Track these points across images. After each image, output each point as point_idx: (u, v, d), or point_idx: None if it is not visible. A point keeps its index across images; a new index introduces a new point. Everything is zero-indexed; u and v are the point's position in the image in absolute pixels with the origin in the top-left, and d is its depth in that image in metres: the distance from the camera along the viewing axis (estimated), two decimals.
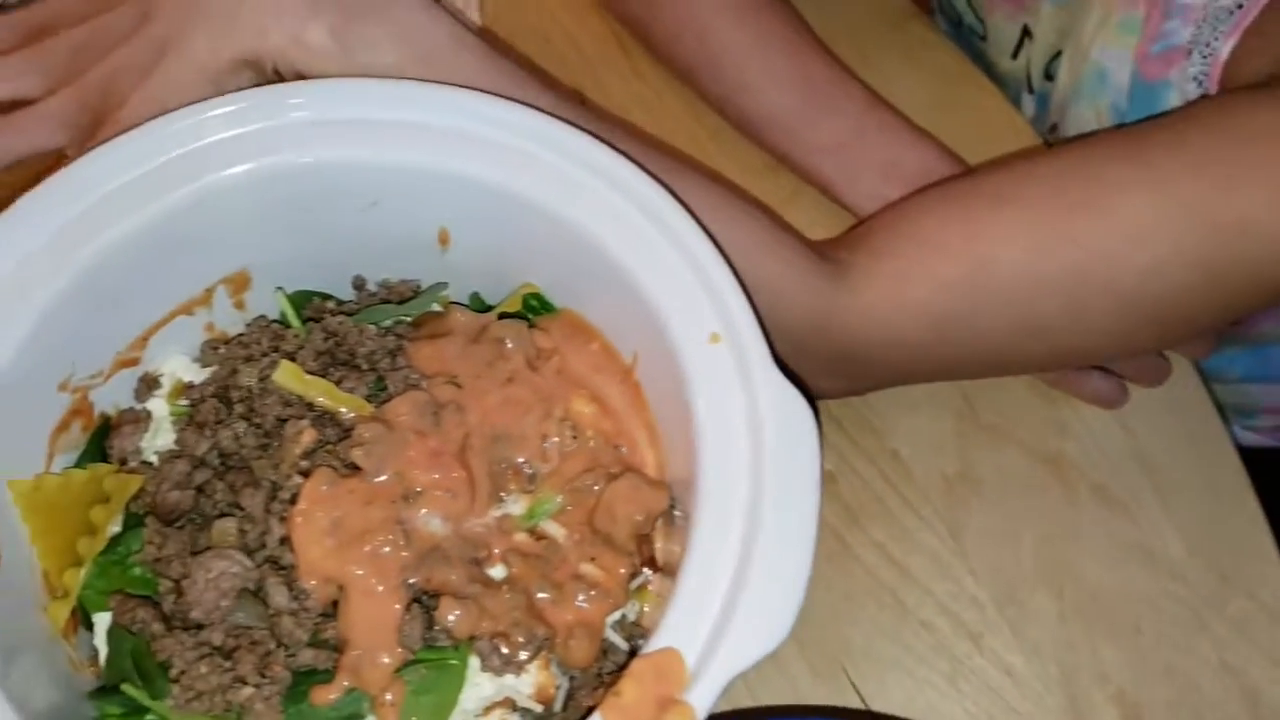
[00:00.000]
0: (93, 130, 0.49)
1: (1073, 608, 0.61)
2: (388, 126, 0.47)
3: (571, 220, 0.47)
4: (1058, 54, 0.73)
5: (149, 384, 0.50)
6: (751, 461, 0.42)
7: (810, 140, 0.68)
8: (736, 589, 0.40)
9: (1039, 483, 0.64)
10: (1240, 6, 0.60)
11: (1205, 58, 0.61)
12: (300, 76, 0.49)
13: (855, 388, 0.61)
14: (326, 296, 0.53)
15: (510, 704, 0.45)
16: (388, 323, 0.51)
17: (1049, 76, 0.74)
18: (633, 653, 0.47)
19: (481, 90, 0.48)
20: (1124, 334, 0.56)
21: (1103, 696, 0.59)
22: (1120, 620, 0.60)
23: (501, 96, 0.48)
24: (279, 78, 0.50)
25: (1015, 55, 0.77)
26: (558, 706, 0.46)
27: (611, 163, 0.47)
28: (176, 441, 0.48)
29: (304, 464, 0.46)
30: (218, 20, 0.48)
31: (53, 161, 0.47)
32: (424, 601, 0.44)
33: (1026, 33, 0.76)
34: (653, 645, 0.40)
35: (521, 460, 0.48)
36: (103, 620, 0.46)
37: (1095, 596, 0.61)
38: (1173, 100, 0.64)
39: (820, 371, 0.55)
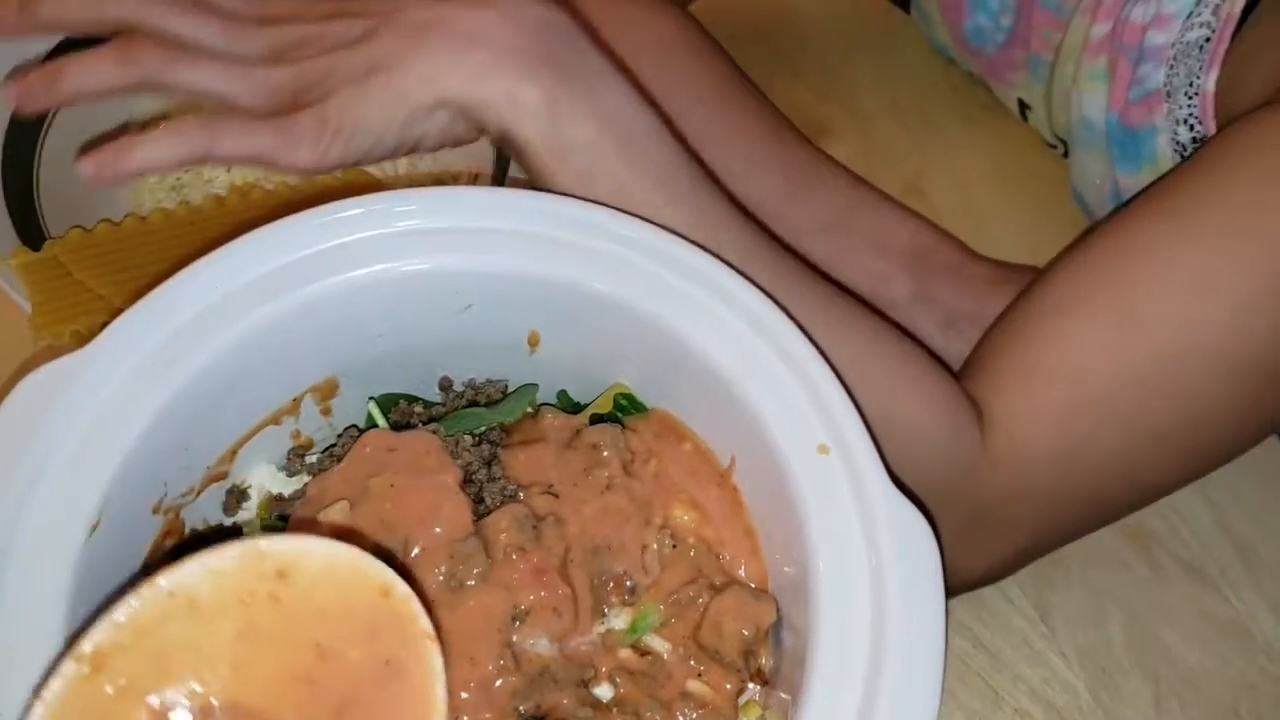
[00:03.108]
0: (282, 111, 0.49)
1: (1168, 690, 0.60)
2: (486, 234, 0.47)
3: (664, 323, 0.47)
4: (1050, 111, 0.73)
5: (237, 497, 0.49)
6: (871, 579, 0.41)
7: (799, 222, 0.67)
8: (866, 716, 0.39)
9: (1124, 559, 0.63)
10: (1208, 40, 0.59)
11: (1191, 99, 0.60)
12: (499, 134, 0.49)
13: (994, 562, 0.57)
14: (413, 399, 0.53)
15: None
16: (480, 429, 0.50)
17: (1060, 138, 0.74)
18: None
19: (668, 182, 0.50)
20: (1245, 412, 0.52)
21: None
22: (1217, 703, 0.59)
23: (683, 193, 0.50)
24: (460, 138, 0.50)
25: (1025, 119, 0.77)
26: None
27: (713, 270, 0.46)
28: None
29: None
30: (439, 58, 0.48)
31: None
32: None
33: (1023, 104, 0.76)
34: None
35: (621, 571, 0.47)
36: None
37: (1190, 679, 0.60)
38: (1160, 145, 0.62)
39: (958, 540, 0.52)
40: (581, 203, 0.48)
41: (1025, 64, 0.71)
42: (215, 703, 0.33)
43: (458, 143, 0.50)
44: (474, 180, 0.62)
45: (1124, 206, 0.57)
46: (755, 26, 0.78)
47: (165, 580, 0.34)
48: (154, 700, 0.33)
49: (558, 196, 0.48)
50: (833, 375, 0.44)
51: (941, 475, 0.50)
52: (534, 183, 0.51)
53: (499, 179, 0.60)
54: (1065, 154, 0.73)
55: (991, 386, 0.53)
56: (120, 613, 0.33)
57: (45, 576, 0.40)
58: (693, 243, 0.47)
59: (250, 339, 0.46)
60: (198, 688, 0.33)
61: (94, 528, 0.42)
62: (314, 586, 0.35)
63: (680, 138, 0.52)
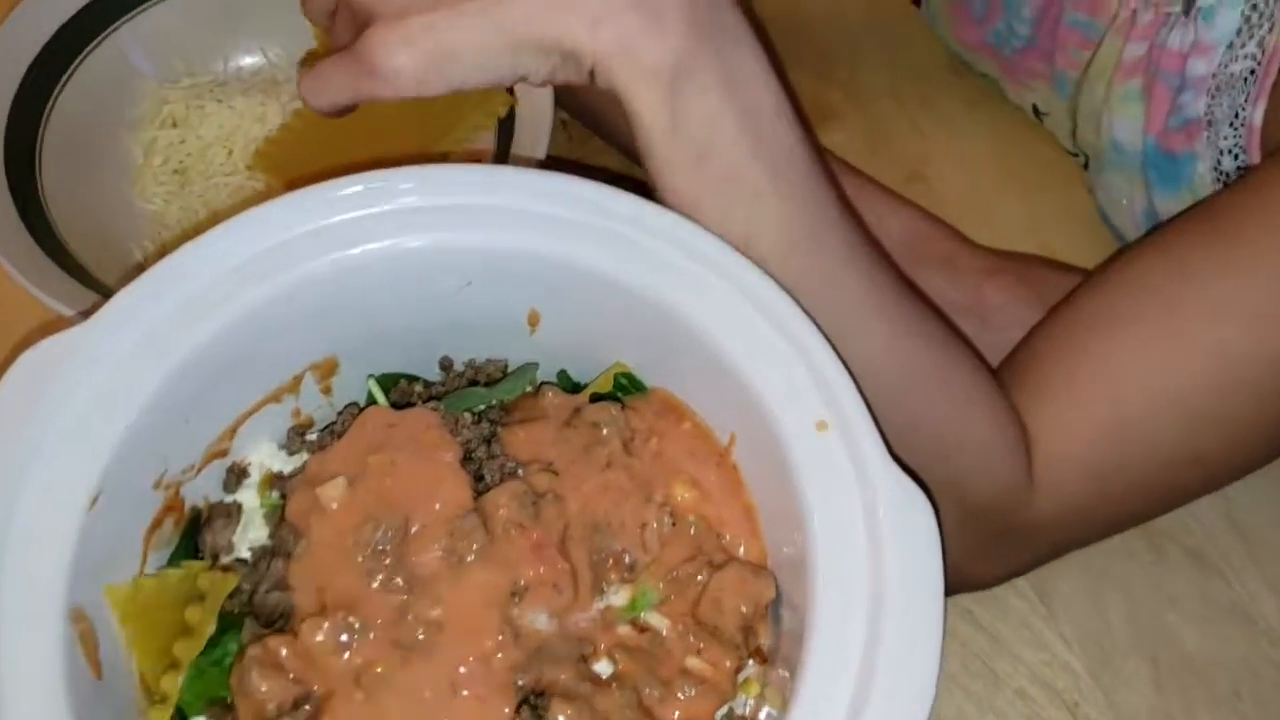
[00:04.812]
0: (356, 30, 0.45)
1: (1169, 674, 0.60)
2: (486, 211, 0.47)
3: (663, 301, 0.47)
4: (1076, 126, 0.72)
5: (237, 474, 0.49)
6: (870, 555, 0.41)
7: None
8: (863, 692, 0.39)
9: (1127, 545, 0.63)
10: (1253, 72, 0.58)
11: (1237, 129, 0.59)
12: (607, 89, 0.44)
13: (1012, 570, 0.58)
14: (413, 378, 0.52)
15: None
16: (480, 407, 0.50)
17: (1074, 141, 0.74)
18: None
19: (783, 170, 0.46)
20: (1278, 431, 0.53)
21: None
22: (1218, 687, 0.59)
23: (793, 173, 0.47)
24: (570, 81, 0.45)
25: (1040, 120, 0.77)
26: None
27: (711, 247, 0.46)
28: (271, 537, 0.47)
29: None
30: None
31: None
32: (532, 702, 0.43)
33: (1036, 110, 0.75)
34: None
35: (620, 549, 0.47)
36: None
37: (1191, 663, 0.60)
38: (1200, 172, 0.62)
39: (982, 551, 0.52)
40: (580, 180, 0.48)
41: (1048, 75, 0.71)
42: None
43: (565, 84, 0.45)
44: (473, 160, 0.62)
45: (1172, 221, 0.57)
46: (757, 12, 0.78)
47: None
48: None
49: (555, 174, 0.48)
50: (832, 351, 0.44)
51: (997, 493, 0.50)
52: (630, 150, 0.46)
53: (500, 160, 0.60)
54: (1085, 165, 0.73)
55: (1032, 401, 0.53)
56: None
57: (46, 546, 0.41)
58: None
59: (250, 316, 0.46)
60: None
61: (94, 500, 0.42)
62: None
63: (803, 117, 0.47)
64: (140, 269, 0.45)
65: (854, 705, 0.39)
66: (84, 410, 0.43)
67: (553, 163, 0.60)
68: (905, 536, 0.41)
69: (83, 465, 0.42)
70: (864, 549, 0.42)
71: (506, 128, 0.62)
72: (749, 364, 0.45)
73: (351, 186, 0.47)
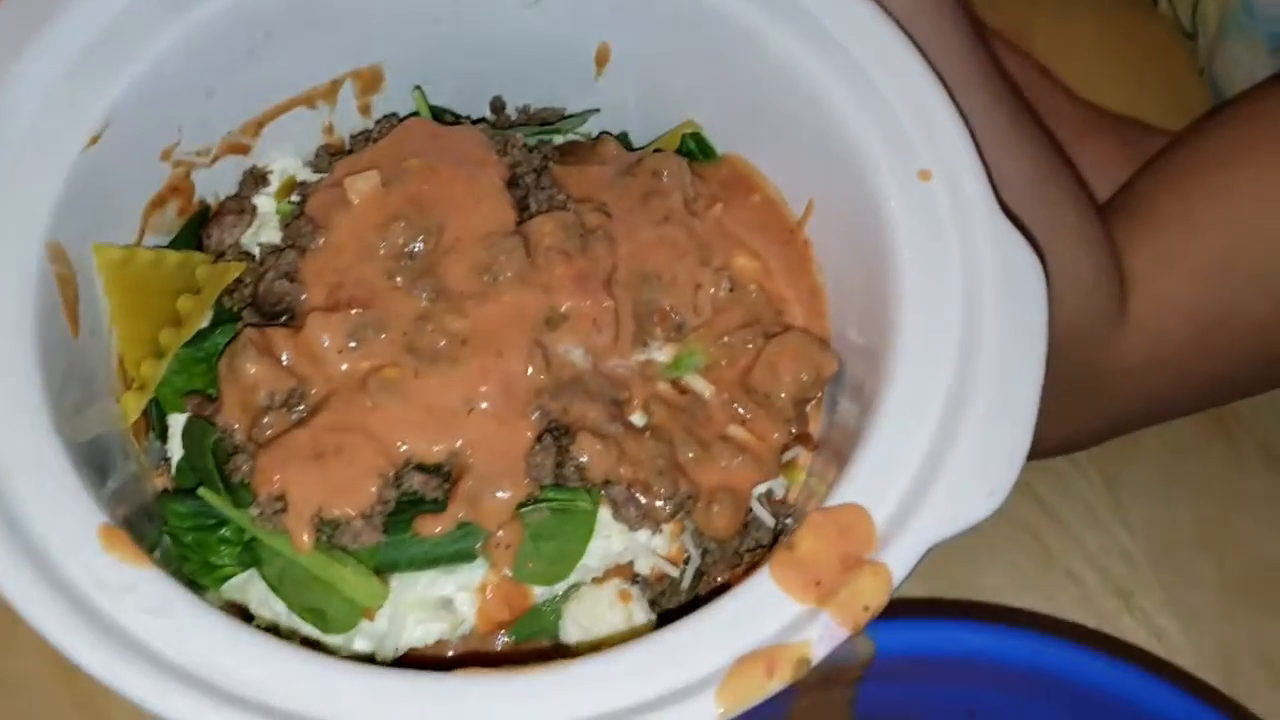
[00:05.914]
0: None
1: (1235, 577, 0.54)
2: None
3: (759, 35, 0.41)
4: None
5: (257, 179, 0.44)
6: (965, 313, 0.36)
7: None
8: (941, 449, 0.34)
9: (1202, 437, 0.58)
10: None
11: None
12: None
13: (1079, 433, 0.53)
14: (459, 118, 0.47)
15: (629, 574, 0.39)
16: (533, 141, 0.45)
17: (1193, 18, 0.68)
18: (779, 533, 0.41)
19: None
20: None
21: (1267, 680, 0.52)
22: None
23: None
24: None
25: (1155, 3, 0.71)
26: (684, 582, 0.40)
27: None
28: (285, 236, 0.42)
29: None
30: None
31: None
32: (558, 437, 0.38)
33: None
34: (833, 500, 0.34)
35: (669, 306, 0.42)
36: (178, 421, 0.40)
37: (1261, 567, 0.55)
38: None
39: (1053, 401, 0.47)
40: None
41: None
42: None
43: None
44: None
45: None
46: None
47: None
48: None
49: None
50: (945, 94, 0.39)
51: (1075, 326, 0.45)
52: None
53: None
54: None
55: (1141, 232, 0.48)
56: None
57: (36, 167, 0.36)
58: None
59: None
60: None
61: (94, 139, 0.37)
62: None
63: None
64: None
65: (932, 452, 0.34)
66: (99, 38, 0.38)
67: None
68: (1006, 289, 0.36)
69: (89, 95, 0.37)
70: (958, 303, 0.36)
71: None
72: (848, 107, 0.40)
73: None
